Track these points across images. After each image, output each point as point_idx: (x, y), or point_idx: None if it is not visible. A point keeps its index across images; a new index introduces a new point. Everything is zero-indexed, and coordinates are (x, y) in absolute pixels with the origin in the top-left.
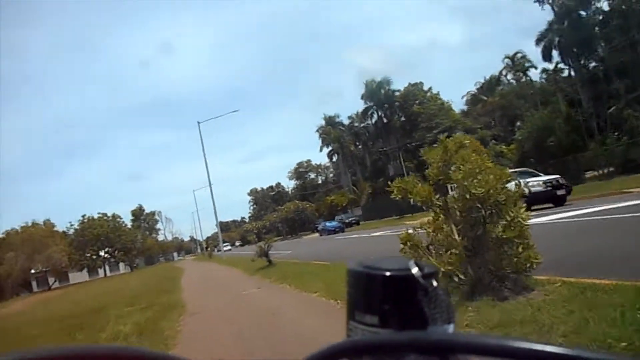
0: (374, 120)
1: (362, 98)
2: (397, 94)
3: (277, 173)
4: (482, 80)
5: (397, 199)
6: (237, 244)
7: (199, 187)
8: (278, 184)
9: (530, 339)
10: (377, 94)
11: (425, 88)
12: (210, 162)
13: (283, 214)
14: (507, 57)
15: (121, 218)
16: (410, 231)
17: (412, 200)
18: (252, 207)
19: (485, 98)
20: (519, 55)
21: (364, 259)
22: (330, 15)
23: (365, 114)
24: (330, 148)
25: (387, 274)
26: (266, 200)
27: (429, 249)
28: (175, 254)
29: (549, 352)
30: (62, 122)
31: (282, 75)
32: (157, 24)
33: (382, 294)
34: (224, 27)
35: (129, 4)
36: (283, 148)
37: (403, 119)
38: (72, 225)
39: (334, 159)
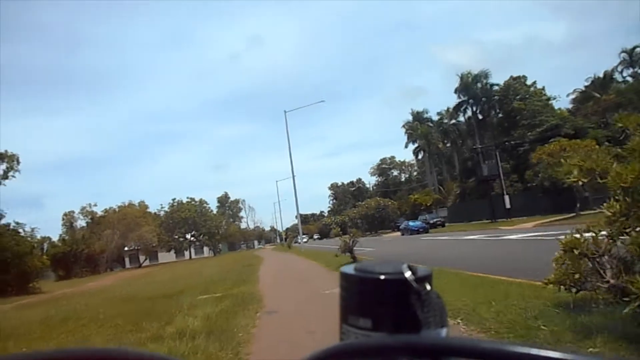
0: (467, 116)
1: (455, 92)
2: (495, 88)
3: (358, 169)
4: (592, 77)
5: (575, 184)
6: (316, 237)
7: (282, 178)
8: (359, 180)
9: (526, 343)
10: (472, 87)
11: (529, 82)
12: (294, 154)
13: (363, 209)
14: (624, 51)
15: (207, 204)
16: (576, 234)
17: (605, 183)
18: (331, 202)
19: (597, 95)
20: (638, 49)
21: (358, 263)
22: (423, 9)
23: (457, 108)
24: (416, 145)
25: (381, 277)
26: (346, 195)
27: (599, 262)
28: (255, 242)
29: (544, 356)
30: (161, 112)
31: (367, 71)
32: (246, 18)
33: (375, 297)
34: (310, 20)
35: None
36: (365, 144)
37: (501, 115)
38: (162, 207)
39: (420, 157)
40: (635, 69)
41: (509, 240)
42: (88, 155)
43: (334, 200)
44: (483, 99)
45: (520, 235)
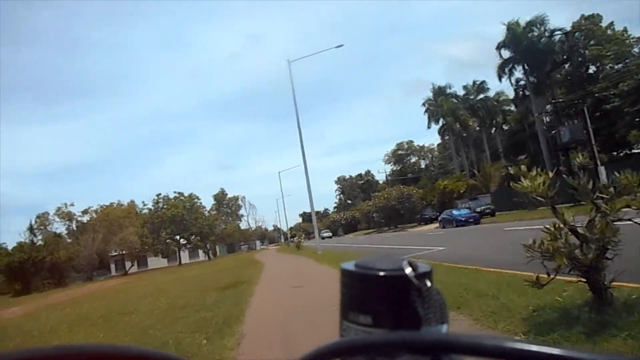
0: (514, 78)
1: (497, 48)
2: (558, 35)
3: (361, 166)
4: None
5: None
6: (325, 234)
7: (285, 168)
8: (367, 172)
9: (526, 340)
10: (524, 38)
11: (603, 24)
12: (293, 152)
13: (381, 201)
14: None
15: (199, 199)
16: None
17: None
18: (338, 197)
19: None
20: None
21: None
22: (422, 7)
23: (502, 69)
24: (441, 123)
25: (381, 273)
26: (354, 189)
27: None
28: (257, 242)
29: (543, 352)
30: (159, 114)
31: (367, 69)
32: (244, 17)
33: (375, 293)
34: (310, 19)
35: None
36: (368, 142)
37: (566, 68)
38: (145, 204)
39: (446, 137)
40: None
41: None
42: (85, 161)
43: (341, 195)
44: (539, 52)
45: None
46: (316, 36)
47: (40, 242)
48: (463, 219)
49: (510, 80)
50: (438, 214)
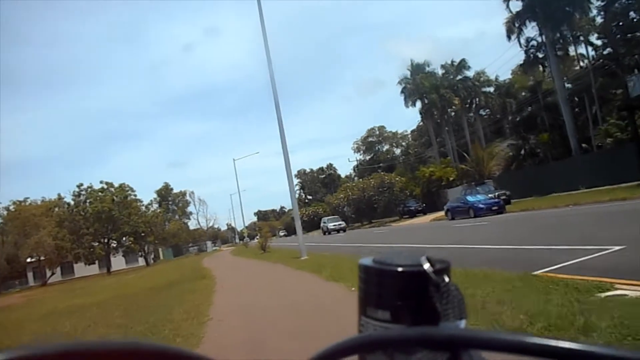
0: (524, 37)
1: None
2: None
3: (323, 163)
4: None
5: None
6: (282, 233)
7: (241, 156)
8: (330, 165)
9: (543, 335)
10: None
11: None
12: (249, 149)
13: (354, 192)
14: None
15: (133, 190)
16: None
17: None
18: (297, 192)
19: None
20: None
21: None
22: (377, 9)
23: (513, 23)
24: (420, 104)
25: (399, 269)
26: (315, 184)
27: None
28: (209, 243)
29: (562, 347)
30: (107, 111)
31: (324, 68)
32: (201, 11)
33: (393, 289)
34: (267, 17)
35: None
36: (323, 142)
37: (596, 20)
38: (62, 197)
39: (419, 122)
40: None
41: None
42: (20, 157)
43: (301, 191)
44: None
45: None
46: (273, 34)
47: None
48: (483, 207)
49: (519, 40)
50: (424, 205)
